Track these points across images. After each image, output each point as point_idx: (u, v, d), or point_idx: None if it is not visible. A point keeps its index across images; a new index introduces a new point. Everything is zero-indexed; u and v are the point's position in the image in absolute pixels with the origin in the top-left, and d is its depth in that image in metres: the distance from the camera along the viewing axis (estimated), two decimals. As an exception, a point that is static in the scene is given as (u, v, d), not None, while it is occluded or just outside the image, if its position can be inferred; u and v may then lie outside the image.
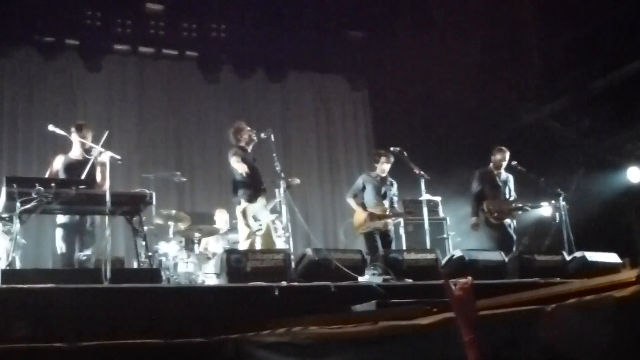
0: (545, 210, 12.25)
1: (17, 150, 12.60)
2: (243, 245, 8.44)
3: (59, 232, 8.03)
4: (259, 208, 8.67)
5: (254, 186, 8.68)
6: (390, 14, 13.88)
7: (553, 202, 10.26)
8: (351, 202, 10.18)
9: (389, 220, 10.00)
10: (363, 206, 10.00)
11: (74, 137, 8.15)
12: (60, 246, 8.03)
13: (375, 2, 13.73)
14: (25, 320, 5.45)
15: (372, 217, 9.85)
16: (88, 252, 7.97)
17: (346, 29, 14.64)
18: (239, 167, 8.44)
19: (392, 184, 10.29)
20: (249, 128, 8.89)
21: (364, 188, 10.15)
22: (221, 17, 13.85)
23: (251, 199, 8.62)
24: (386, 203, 10.04)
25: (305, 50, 14.55)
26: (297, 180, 8.99)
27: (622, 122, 11.82)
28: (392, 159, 10.18)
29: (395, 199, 10.28)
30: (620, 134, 12.03)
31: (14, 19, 12.33)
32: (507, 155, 10.62)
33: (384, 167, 10.18)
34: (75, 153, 8.20)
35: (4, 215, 6.89)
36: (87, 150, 8.07)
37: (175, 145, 13.89)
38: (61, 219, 8.01)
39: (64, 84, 13.24)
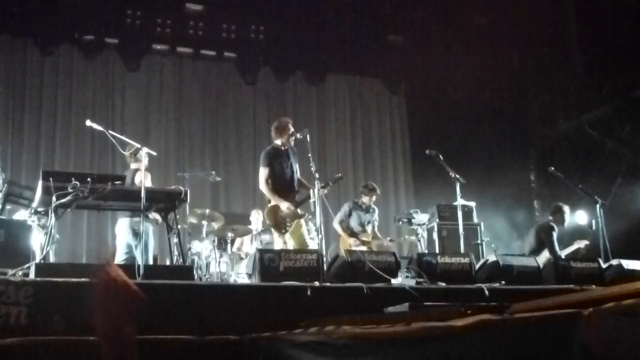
0: (581, 218, 12.14)
1: (55, 146, 12.74)
2: (277, 245, 8.42)
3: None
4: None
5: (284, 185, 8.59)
6: (430, 18, 13.82)
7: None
8: (337, 227, 10.54)
9: (373, 246, 10.41)
10: (348, 231, 10.46)
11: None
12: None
13: (414, 7, 13.68)
14: (58, 313, 5.46)
15: (357, 242, 10.31)
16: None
17: (385, 32, 14.59)
18: (261, 174, 8.43)
19: (374, 211, 10.79)
20: (291, 127, 8.77)
21: (350, 215, 10.57)
22: (260, 19, 13.90)
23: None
24: (369, 229, 10.55)
25: (344, 53, 14.57)
26: (339, 175, 9.04)
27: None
28: (378, 193, 10.82)
29: (376, 223, 10.79)
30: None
31: (55, 18, 12.52)
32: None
33: (372, 200, 10.70)
34: None
35: (40, 209, 6.93)
36: None
37: (212, 145, 13.95)
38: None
39: (103, 82, 13.38)
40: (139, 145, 7.22)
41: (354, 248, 10.05)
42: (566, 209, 10.53)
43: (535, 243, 10.35)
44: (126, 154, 8.81)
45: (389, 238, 11.05)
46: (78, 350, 4.78)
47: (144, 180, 7.15)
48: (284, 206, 8.31)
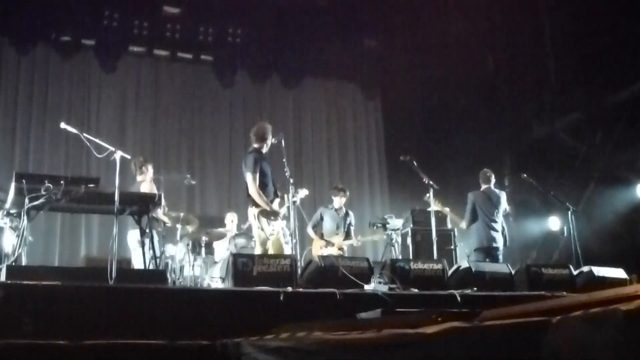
0: (554, 224, 12.22)
1: (29, 147, 12.65)
2: (258, 250, 8.36)
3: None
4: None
5: (270, 190, 8.53)
6: (405, 24, 13.86)
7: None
8: (311, 232, 10.80)
9: (344, 247, 10.66)
10: (321, 236, 10.71)
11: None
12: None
13: (390, 12, 13.71)
14: (29, 316, 5.41)
15: (327, 244, 10.57)
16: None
17: (361, 37, 14.63)
18: (250, 180, 8.35)
19: (347, 214, 10.92)
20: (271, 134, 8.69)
21: (322, 219, 10.81)
22: (237, 22, 13.91)
23: None
24: (340, 232, 10.71)
25: (320, 57, 14.58)
26: (305, 192, 9.00)
27: (634, 137, 11.76)
28: (347, 194, 11.02)
29: (352, 227, 10.90)
30: (632, 149, 11.96)
31: (32, 18, 12.44)
32: None
33: (341, 200, 10.85)
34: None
35: (12, 211, 6.87)
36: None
37: (188, 147, 13.92)
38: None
39: (79, 83, 13.32)
40: (113, 149, 7.16)
41: (323, 250, 10.12)
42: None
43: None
44: (132, 167, 9.04)
45: (358, 237, 11.08)
46: (47, 353, 4.74)
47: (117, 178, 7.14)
48: (276, 211, 8.31)
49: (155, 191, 8.54)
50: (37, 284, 5.67)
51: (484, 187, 10.50)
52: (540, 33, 13.30)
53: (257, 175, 8.23)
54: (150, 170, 9.64)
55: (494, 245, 10.12)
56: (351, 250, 11.15)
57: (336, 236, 10.57)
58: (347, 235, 10.72)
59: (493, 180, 10.55)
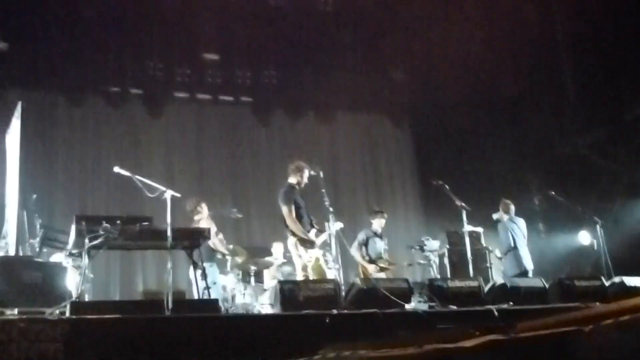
0: (584, 238, 12.07)
1: (86, 191, 12.87)
2: (299, 276, 8.44)
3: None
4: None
5: (305, 221, 8.67)
6: (428, 53, 13.87)
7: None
8: (356, 255, 10.70)
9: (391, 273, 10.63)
10: (369, 259, 10.61)
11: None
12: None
13: (413, 43, 13.75)
14: (93, 349, 5.48)
15: (382, 269, 10.52)
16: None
17: (387, 70, 14.69)
18: (286, 212, 8.49)
19: (383, 237, 10.96)
20: (307, 170, 8.88)
21: (366, 242, 10.74)
22: (272, 64, 14.06)
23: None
24: (385, 256, 10.75)
25: (351, 92, 14.65)
26: (340, 224, 9.08)
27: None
28: (386, 216, 11.01)
29: (387, 250, 10.92)
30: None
31: (82, 72, 12.69)
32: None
33: (382, 222, 10.93)
34: None
35: (74, 251, 6.99)
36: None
37: (232, 184, 14.04)
38: None
39: (129, 130, 13.51)
40: (164, 188, 7.27)
41: (374, 275, 10.11)
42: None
43: None
44: (187, 207, 9.26)
45: (407, 263, 11.06)
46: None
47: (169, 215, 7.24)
48: (312, 239, 8.43)
49: (214, 227, 8.70)
50: (99, 317, 5.76)
51: (507, 216, 10.57)
52: (561, 52, 13.23)
53: (292, 207, 8.41)
54: (205, 208, 9.82)
55: (530, 268, 10.18)
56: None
57: (381, 260, 10.57)
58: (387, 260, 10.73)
59: (513, 208, 10.62)
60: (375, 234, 10.80)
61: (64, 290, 6.82)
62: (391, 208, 14.65)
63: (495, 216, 10.87)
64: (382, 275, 10.31)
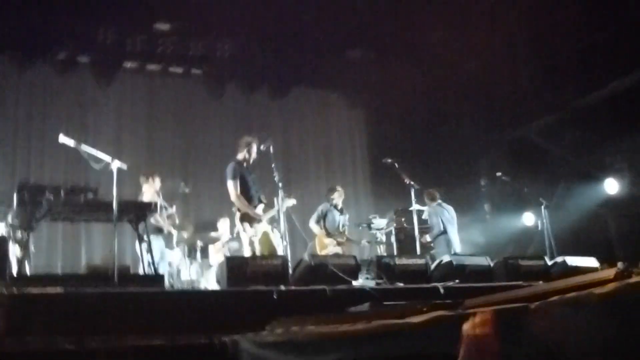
0: (529, 219, 12.29)
1: (29, 159, 12.59)
2: (246, 252, 8.42)
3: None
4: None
5: (253, 196, 8.67)
6: (386, 35, 13.86)
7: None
8: (315, 228, 10.73)
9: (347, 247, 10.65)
10: (327, 232, 10.57)
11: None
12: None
13: (371, 24, 13.72)
14: (35, 323, 5.38)
15: (339, 243, 10.52)
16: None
17: (344, 48, 14.64)
18: (231, 187, 8.48)
19: (345, 214, 10.98)
20: (256, 146, 8.86)
21: (325, 215, 10.69)
22: (226, 36, 13.87)
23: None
24: (343, 230, 10.73)
25: (306, 69, 14.58)
26: (293, 201, 9.04)
27: (602, 138, 11.85)
28: (343, 194, 10.98)
29: (347, 225, 10.90)
30: (600, 149, 12.05)
31: (30, 36, 12.34)
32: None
33: (341, 197, 10.93)
34: None
35: (14, 222, 6.83)
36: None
37: (181, 157, 13.89)
38: None
39: (77, 98, 13.24)
40: (110, 159, 7.14)
41: (331, 248, 10.12)
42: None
43: None
44: (140, 178, 9.14)
45: (365, 240, 11.07)
46: (53, 358, 4.72)
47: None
48: (256, 215, 8.40)
49: (159, 202, 8.59)
50: (42, 292, 5.64)
51: (434, 203, 10.74)
52: (515, 41, 13.37)
53: (237, 182, 8.41)
54: (157, 181, 9.68)
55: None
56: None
57: (340, 234, 10.55)
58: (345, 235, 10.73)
59: (439, 195, 10.81)
60: (335, 208, 10.76)
61: (5, 262, 6.66)
62: (341, 186, 14.70)
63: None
64: (339, 249, 10.33)
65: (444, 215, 10.79)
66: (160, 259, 8.60)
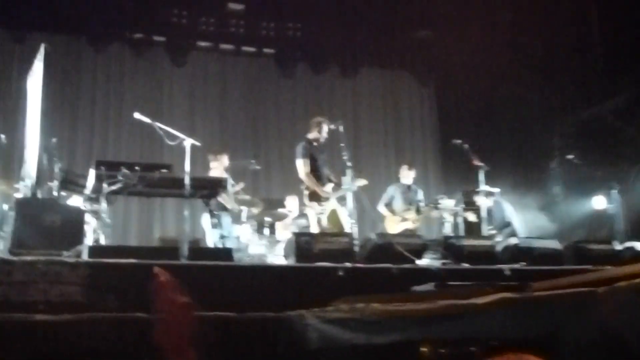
0: (600, 203, 12.00)
1: (107, 137, 12.94)
2: (314, 229, 8.48)
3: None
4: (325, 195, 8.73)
5: (322, 175, 8.71)
6: (456, 14, 13.67)
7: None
8: (383, 209, 10.63)
9: (417, 223, 10.41)
10: (393, 213, 10.47)
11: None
12: None
13: (443, 4, 13.55)
14: (111, 291, 5.52)
15: (402, 220, 10.36)
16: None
17: (414, 28, 14.51)
18: (300, 165, 8.56)
19: (416, 191, 10.75)
20: (326, 126, 8.89)
21: (393, 196, 10.60)
22: (297, 17, 13.94)
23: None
24: (413, 208, 10.47)
25: (376, 48, 14.54)
26: (364, 181, 9.01)
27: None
28: (413, 169, 10.80)
29: (422, 204, 10.60)
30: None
31: (107, 18, 12.66)
32: None
33: (410, 174, 10.77)
34: None
35: (92, 196, 7.00)
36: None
37: (253, 135, 14.02)
38: None
39: (152, 77, 13.51)
40: (184, 136, 7.25)
41: (398, 226, 10.07)
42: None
43: None
44: (209, 156, 9.32)
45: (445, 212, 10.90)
46: (129, 325, 4.85)
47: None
48: (323, 193, 8.45)
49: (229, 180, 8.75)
50: (116, 262, 5.79)
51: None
52: (587, 17, 13.01)
53: (307, 161, 8.46)
54: (225, 159, 9.81)
55: None
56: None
57: (409, 212, 10.43)
58: (418, 211, 10.53)
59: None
60: (405, 187, 10.72)
61: (82, 234, 6.85)
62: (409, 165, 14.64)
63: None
64: (407, 227, 10.26)
65: (505, 211, 10.53)
66: (228, 234, 8.74)
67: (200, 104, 13.81)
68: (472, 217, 10.18)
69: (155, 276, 3.68)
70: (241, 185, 9.91)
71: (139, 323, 4.85)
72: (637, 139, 12.34)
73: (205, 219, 9.00)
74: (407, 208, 10.50)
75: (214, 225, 7.50)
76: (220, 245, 7.45)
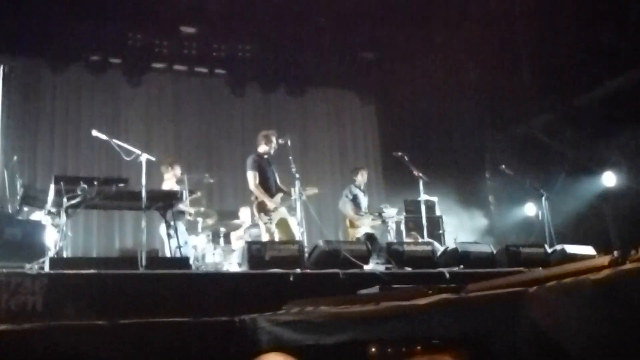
0: (530, 210, 12.22)
1: (66, 154, 12.71)
2: (264, 237, 8.44)
3: None
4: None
5: (270, 186, 8.68)
6: (398, 38, 13.83)
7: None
8: (346, 209, 10.48)
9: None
10: (357, 213, 10.33)
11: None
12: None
13: (385, 27, 13.69)
14: (71, 302, 5.43)
15: (364, 222, 10.23)
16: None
17: (359, 50, 14.61)
18: (250, 178, 8.53)
19: (366, 194, 10.73)
20: (275, 139, 8.85)
21: (354, 197, 10.42)
22: (247, 39, 13.91)
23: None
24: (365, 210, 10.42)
25: (322, 69, 14.59)
26: (315, 190, 8.98)
27: (600, 133, 11.77)
28: (365, 175, 10.72)
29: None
30: (598, 144, 11.96)
31: (66, 40, 12.46)
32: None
33: (364, 177, 10.66)
34: None
35: (53, 210, 6.88)
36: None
37: (206, 151, 13.93)
38: None
39: (109, 97, 13.33)
40: (139, 152, 7.17)
41: (363, 228, 10.01)
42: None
43: None
44: (162, 167, 9.16)
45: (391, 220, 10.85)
46: (87, 333, 4.75)
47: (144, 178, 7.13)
48: (271, 204, 8.39)
49: (176, 189, 8.62)
50: (76, 272, 5.69)
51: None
52: (518, 45, 13.29)
53: (256, 173, 8.44)
54: (177, 170, 9.69)
55: None
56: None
57: (367, 214, 10.34)
58: (380, 215, 10.37)
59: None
60: (359, 188, 10.61)
61: (43, 246, 6.72)
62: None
63: None
64: (370, 230, 10.17)
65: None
66: (184, 243, 8.63)
67: (156, 121, 13.70)
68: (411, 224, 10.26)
69: None
70: (198, 193, 9.82)
71: (95, 330, 4.76)
72: (562, 152, 12.65)
73: (163, 229, 8.85)
74: (365, 211, 10.40)
75: (170, 236, 7.39)
76: (177, 255, 7.34)
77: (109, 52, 13.12)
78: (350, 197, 10.48)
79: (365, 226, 10.22)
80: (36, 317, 5.09)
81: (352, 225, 10.34)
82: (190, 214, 9.60)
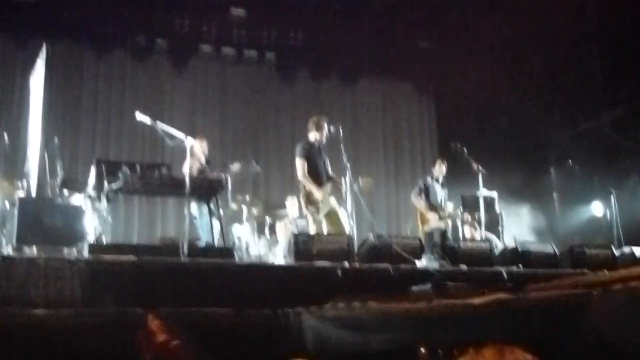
0: (597, 208, 11.96)
1: (109, 138, 12.89)
2: (312, 229, 8.40)
3: None
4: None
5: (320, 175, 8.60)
6: (456, 26, 13.66)
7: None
8: (416, 201, 10.29)
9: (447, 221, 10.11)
10: (429, 206, 10.11)
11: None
12: None
13: (442, 15, 13.54)
14: (109, 289, 5.49)
15: (439, 217, 9.99)
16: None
17: (415, 38, 14.48)
18: (299, 166, 8.47)
19: (445, 187, 10.44)
20: (326, 125, 8.78)
21: (427, 189, 10.21)
22: (298, 24, 13.87)
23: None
24: (443, 205, 10.22)
25: (376, 58, 14.50)
26: (369, 179, 8.90)
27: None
28: (445, 163, 10.43)
29: (446, 200, 10.36)
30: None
31: (109, 25, 12.63)
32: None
33: (442, 169, 10.40)
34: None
35: (92, 194, 6.97)
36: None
37: (253, 138, 13.95)
38: None
39: (153, 82, 13.45)
40: (184, 137, 7.21)
41: (434, 224, 9.91)
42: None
43: None
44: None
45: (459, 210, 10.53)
46: (124, 320, 4.81)
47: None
48: (319, 194, 8.32)
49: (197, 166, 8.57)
50: (115, 258, 5.76)
51: None
52: (586, 32, 13.01)
53: (305, 162, 8.38)
54: (204, 144, 9.39)
55: None
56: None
57: (442, 208, 10.16)
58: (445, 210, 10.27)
59: None
60: (437, 181, 10.42)
61: (83, 231, 6.82)
62: (410, 171, 14.61)
63: None
64: (441, 224, 10.02)
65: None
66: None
67: (201, 108, 13.76)
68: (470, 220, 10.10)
69: (146, 325, 3.66)
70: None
71: (132, 317, 4.81)
72: (633, 150, 12.36)
73: (194, 208, 8.73)
74: (440, 205, 10.21)
75: (212, 225, 7.42)
76: (220, 242, 7.40)
77: (154, 36, 13.22)
78: (423, 188, 10.33)
79: (434, 221, 10.05)
80: (74, 302, 5.17)
81: (423, 219, 10.17)
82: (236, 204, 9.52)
